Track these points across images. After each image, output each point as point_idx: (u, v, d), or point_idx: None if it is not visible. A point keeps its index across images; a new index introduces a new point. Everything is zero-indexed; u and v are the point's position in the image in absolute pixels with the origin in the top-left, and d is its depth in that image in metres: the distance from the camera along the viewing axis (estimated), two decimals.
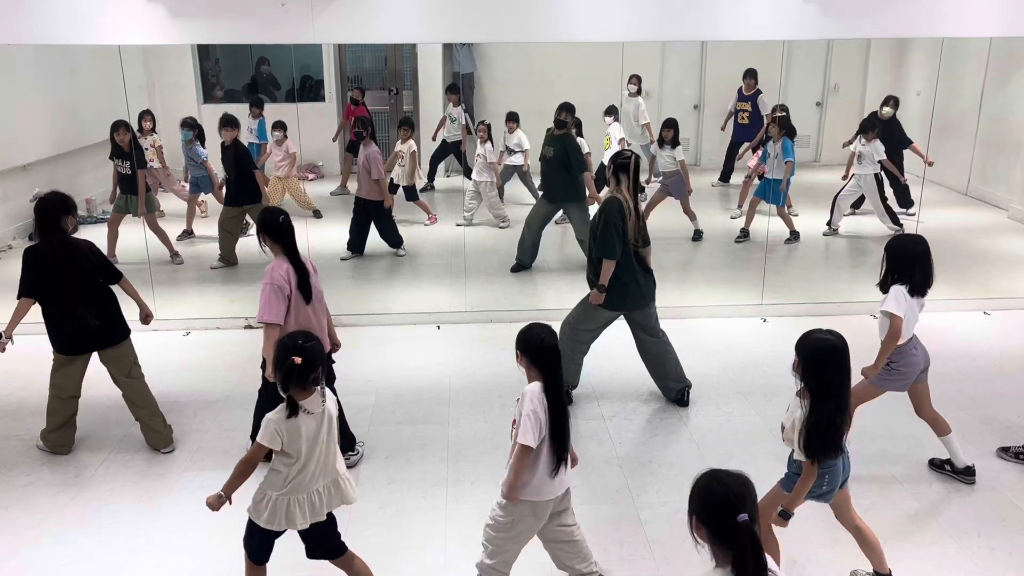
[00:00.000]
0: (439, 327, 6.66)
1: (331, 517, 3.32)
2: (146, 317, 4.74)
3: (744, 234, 8.78)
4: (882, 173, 8.74)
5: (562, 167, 7.71)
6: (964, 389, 5.50)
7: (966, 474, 4.43)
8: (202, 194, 8.96)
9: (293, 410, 3.07)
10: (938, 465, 4.52)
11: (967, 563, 3.80)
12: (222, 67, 11.93)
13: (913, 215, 8.89)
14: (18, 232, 8.87)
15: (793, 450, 3.32)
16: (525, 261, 7.98)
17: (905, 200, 9.40)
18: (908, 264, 4.11)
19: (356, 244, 8.33)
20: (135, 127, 8.81)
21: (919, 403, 4.37)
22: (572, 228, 8.05)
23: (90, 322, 4.44)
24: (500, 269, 7.95)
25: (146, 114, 9.03)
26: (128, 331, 4.70)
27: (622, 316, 5.21)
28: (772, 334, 6.49)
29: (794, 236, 8.66)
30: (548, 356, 3.15)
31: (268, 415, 3.11)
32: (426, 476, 4.51)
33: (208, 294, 7.48)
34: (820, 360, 3.15)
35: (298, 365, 3.03)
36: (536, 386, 3.16)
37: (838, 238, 8.99)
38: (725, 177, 11.08)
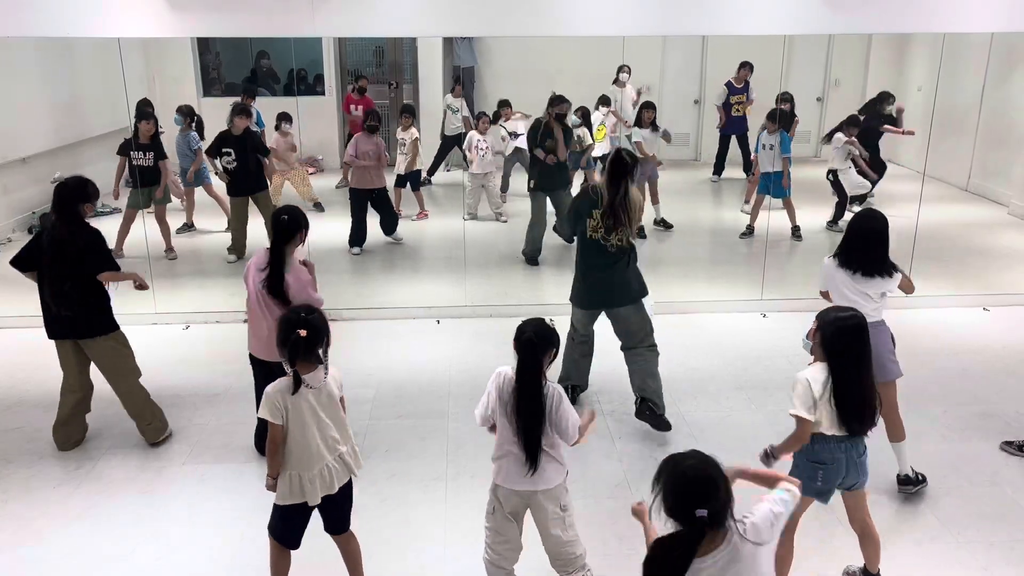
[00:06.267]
0: (439, 321, 6.66)
1: (346, 492, 3.33)
2: (139, 286, 4.61)
3: (749, 231, 8.74)
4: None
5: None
6: (964, 384, 5.51)
7: (905, 483, 4.26)
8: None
9: (297, 385, 3.09)
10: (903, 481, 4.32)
11: (967, 558, 3.81)
12: (222, 60, 11.92)
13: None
14: (18, 225, 8.85)
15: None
16: (535, 255, 7.94)
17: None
18: (847, 235, 4.16)
19: (358, 238, 8.33)
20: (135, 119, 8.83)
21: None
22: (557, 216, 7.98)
23: (52, 311, 4.44)
24: (500, 263, 7.95)
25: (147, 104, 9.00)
26: (109, 328, 4.56)
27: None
28: (772, 329, 6.50)
29: (796, 231, 8.64)
30: (520, 349, 3.18)
31: (267, 389, 3.13)
32: (426, 469, 4.52)
33: (208, 288, 7.49)
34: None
35: (303, 338, 3.05)
36: (503, 367, 3.26)
37: (838, 233, 8.99)
38: (718, 171, 11.05)
